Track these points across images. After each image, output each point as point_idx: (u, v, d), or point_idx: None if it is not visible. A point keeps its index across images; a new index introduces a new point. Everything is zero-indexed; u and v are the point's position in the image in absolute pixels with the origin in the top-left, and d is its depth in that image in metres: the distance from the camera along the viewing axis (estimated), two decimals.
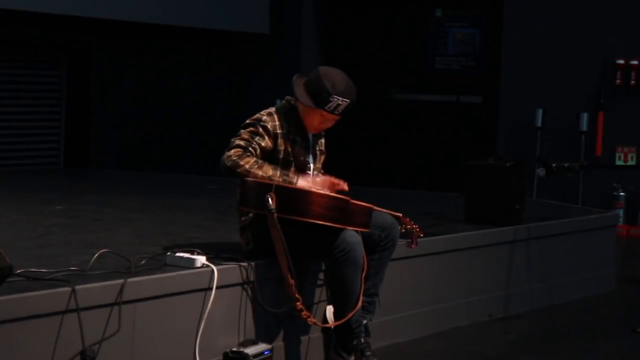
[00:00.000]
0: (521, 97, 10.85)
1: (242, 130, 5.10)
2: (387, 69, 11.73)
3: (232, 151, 5.00)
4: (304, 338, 5.28)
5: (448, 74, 11.57)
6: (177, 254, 4.86)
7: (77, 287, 4.24)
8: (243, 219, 5.16)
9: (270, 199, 4.79)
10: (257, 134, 5.06)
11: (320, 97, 5.07)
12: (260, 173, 4.95)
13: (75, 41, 10.38)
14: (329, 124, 5.21)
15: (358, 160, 11.36)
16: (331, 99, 5.06)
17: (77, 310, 4.21)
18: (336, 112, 5.11)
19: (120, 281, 4.41)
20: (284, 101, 5.26)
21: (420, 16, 11.65)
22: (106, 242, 5.44)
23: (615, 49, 10.52)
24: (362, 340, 5.15)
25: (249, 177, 4.94)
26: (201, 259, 4.82)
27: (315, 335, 5.34)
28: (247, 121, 5.13)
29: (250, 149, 5.01)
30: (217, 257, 4.96)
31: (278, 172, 4.99)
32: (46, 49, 10.37)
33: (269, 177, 4.94)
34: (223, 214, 6.78)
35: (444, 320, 6.23)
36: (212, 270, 4.78)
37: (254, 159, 4.99)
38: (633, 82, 10.50)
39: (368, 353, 5.14)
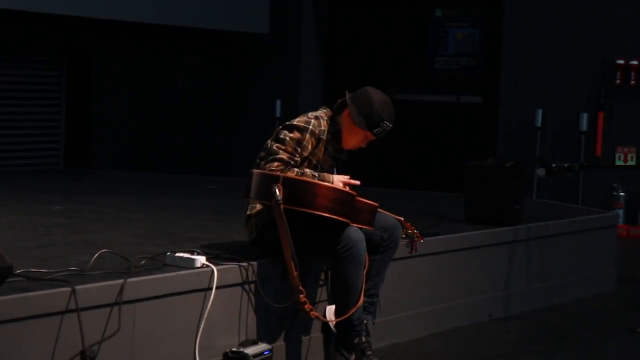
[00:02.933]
0: (521, 97, 10.85)
1: (288, 136, 5.08)
2: (387, 69, 11.72)
3: (275, 165, 5.01)
4: (304, 338, 5.28)
5: (448, 74, 11.56)
6: (177, 254, 4.86)
7: (77, 287, 4.24)
8: (250, 207, 5.17)
9: (277, 190, 4.80)
10: (301, 142, 5.08)
11: (373, 121, 5.21)
12: None
13: (75, 41, 10.38)
14: (364, 146, 5.35)
15: (358, 161, 11.31)
16: (381, 124, 5.20)
17: (77, 310, 4.21)
18: (379, 136, 5.25)
19: (120, 281, 4.41)
20: (324, 110, 5.27)
21: (420, 16, 11.64)
22: (106, 242, 5.44)
23: (615, 49, 10.51)
24: (363, 339, 5.15)
25: None
26: (201, 259, 4.82)
27: (316, 335, 5.33)
28: (295, 123, 5.14)
29: (292, 162, 5.04)
30: (217, 257, 4.97)
31: (317, 175, 5.06)
32: (46, 49, 10.37)
33: None
34: (223, 214, 6.78)
35: (444, 320, 6.23)
36: (212, 270, 4.78)
37: (296, 171, 5.02)
38: (633, 82, 10.49)
39: (369, 352, 5.14)
